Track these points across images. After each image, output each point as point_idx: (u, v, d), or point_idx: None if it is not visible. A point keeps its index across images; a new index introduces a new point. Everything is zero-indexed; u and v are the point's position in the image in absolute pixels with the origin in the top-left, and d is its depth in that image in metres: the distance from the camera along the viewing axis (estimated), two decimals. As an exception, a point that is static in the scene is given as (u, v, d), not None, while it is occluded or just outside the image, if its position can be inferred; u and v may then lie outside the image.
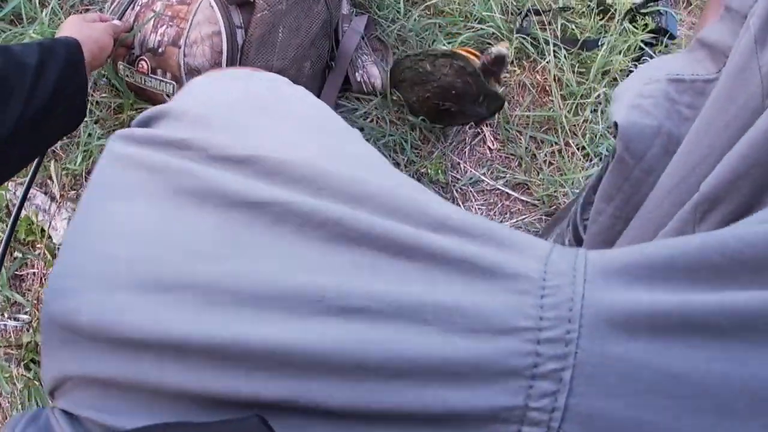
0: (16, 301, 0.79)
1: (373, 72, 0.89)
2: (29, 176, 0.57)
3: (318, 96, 0.86)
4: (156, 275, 0.27)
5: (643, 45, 1.00)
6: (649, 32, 1.00)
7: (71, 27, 0.61)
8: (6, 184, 0.80)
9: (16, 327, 0.78)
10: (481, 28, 0.97)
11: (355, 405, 0.23)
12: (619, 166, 0.40)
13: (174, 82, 0.76)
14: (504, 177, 0.92)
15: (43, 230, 0.79)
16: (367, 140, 0.84)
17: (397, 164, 0.88)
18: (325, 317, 0.24)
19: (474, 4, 0.98)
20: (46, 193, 0.82)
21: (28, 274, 0.81)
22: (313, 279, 0.25)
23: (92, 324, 0.26)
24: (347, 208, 0.27)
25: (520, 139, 0.93)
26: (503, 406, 0.22)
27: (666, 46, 1.01)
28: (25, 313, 0.79)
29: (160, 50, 0.73)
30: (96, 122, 0.80)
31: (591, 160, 0.95)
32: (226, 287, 0.25)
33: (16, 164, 0.51)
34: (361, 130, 0.88)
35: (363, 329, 0.24)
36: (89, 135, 0.79)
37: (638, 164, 0.39)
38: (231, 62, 0.72)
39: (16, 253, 0.81)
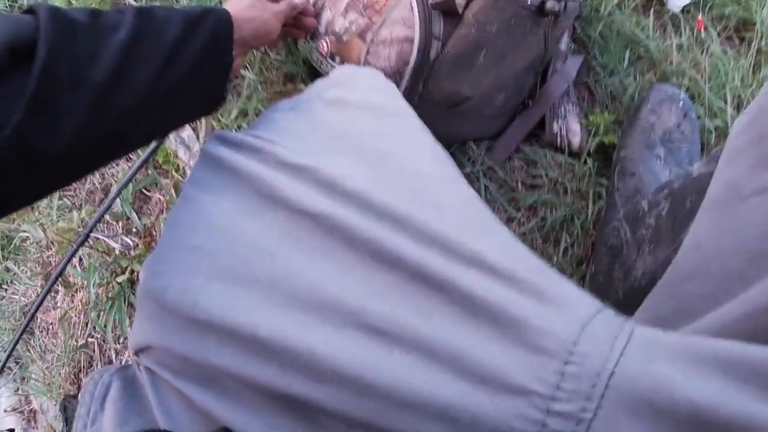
0: (129, 218, 0.81)
1: (573, 127, 0.72)
2: (147, 153, 0.52)
3: (499, 133, 0.72)
4: (230, 267, 0.29)
5: None
6: None
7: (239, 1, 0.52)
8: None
9: (120, 248, 0.80)
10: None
11: (361, 417, 0.25)
12: None
13: (348, 75, 0.66)
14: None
15: (178, 166, 0.79)
16: (540, 204, 0.69)
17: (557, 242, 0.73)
18: (353, 331, 0.25)
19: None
20: (194, 130, 0.81)
21: (153, 197, 0.82)
22: (352, 291, 0.26)
23: (174, 302, 0.29)
24: (387, 230, 0.28)
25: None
26: None
27: None
28: (135, 234, 0.81)
29: (344, 38, 0.64)
30: (262, 82, 0.75)
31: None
32: (283, 287, 0.27)
33: (139, 140, 0.46)
34: (533, 188, 0.73)
35: (381, 352, 0.25)
36: (250, 94, 0.75)
37: None
38: (416, 77, 0.61)
39: (150, 170, 0.82)
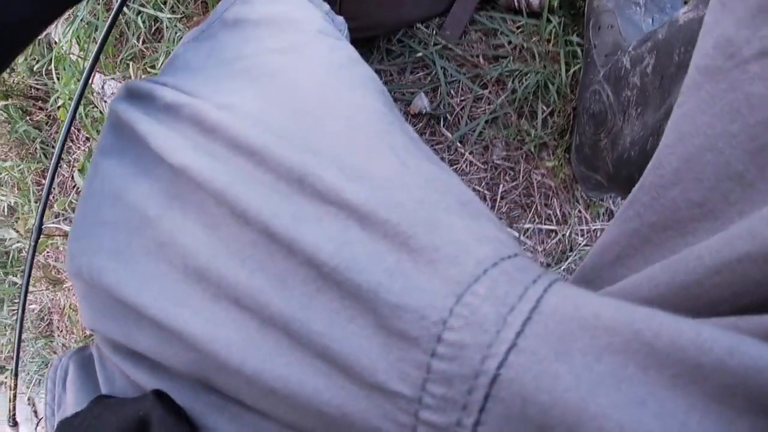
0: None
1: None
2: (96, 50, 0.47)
3: (447, 9, 0.65)
4: (125, 240, 0.26)
5: None
6: None
7: None
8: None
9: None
10: None
11: (251, 403, 0.22)
12: None
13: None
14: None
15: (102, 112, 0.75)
16: (506, 75, 0.62)
17: (535, 111, 0.66)
18: (225, 304, 0.22)
19: None
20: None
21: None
22: (218, 256, 0.23)
23: (90, 283, 0.26)
24: (245, 175, 0.23)
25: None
26: None
27: None
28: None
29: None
30: (180, 19, 0.70)
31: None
32: (165, 257, 0.24)
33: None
34: (496, 59, 0.65)
35: (245, 329, 0.21)
36: (171, 35, 0.69)
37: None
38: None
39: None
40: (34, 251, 0.48)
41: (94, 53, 0.45)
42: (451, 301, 0.17)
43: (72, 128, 0.82)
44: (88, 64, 0.44)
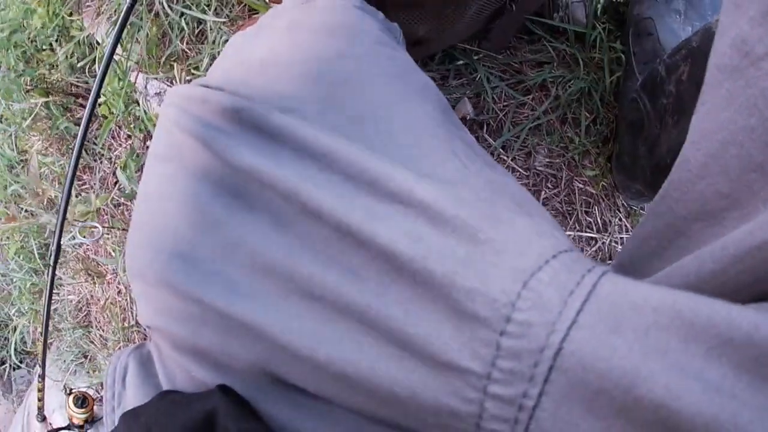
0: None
1: (577, 14, 0.63)
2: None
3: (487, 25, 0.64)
4: (189, 239, 0.26)
5: None
6: None
7: None
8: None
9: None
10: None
11: (323, 393, 0.23)
12: None
13: None
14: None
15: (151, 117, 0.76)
16: (550, 81, 0.62)
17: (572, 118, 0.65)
18: (296, 299, 0.23)
19: None
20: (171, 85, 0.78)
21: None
22: (287, 252, 0.24)
23: (153, 281, 0.27)
24: (313, 174, 0.24)
25: None
26: None
27: None
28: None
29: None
30: (225, 22, 0.70)
31: None
32: (232, 256, 0.25)
33: None
34: (540, 65, 0.65)
35: (317, 320, 0.22)
36: (215, 37, 0.70)
37: None
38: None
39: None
40: (55, 266, 0.49)
41: (110, 43, 0.45)
42: (519, 286, 0.19)
43: (114, 126, 0.83)
44: (105, 55, 0.44)
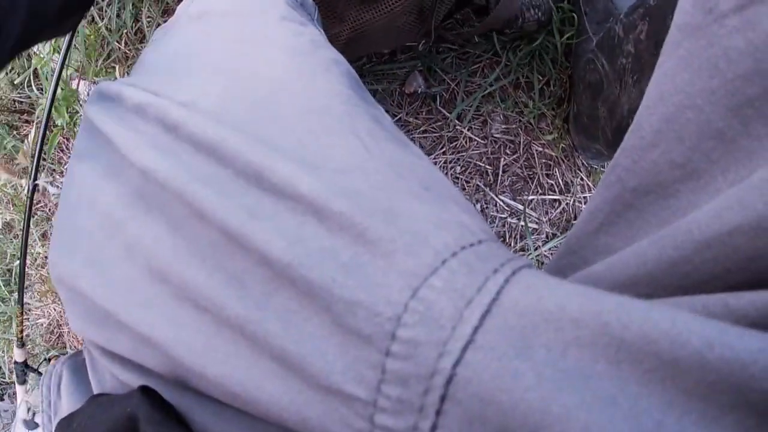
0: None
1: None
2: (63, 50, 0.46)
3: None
4: (98, 244, 0.25)
5: None
6: None
7: None
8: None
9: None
10: None
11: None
12: None
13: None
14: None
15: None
16: (499, 48, 0.61)
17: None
18: (188, 308, 0.22)
19: None
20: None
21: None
22: (180, 257, 0.22)
23: (72, 290, 0.26)
24: (204, 174, 0.23)
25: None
26: None
27: None
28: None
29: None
30: (163, 13, 0.68)
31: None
32: (132, 259, 0.24)
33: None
34: (485, 35, 0.64)
35: (205, 333, 0.21)
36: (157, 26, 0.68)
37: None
38: None
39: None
40: (31, 205, 0.48)
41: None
42: (407, 296, 0.16)
43: (62, 138, 0.80)
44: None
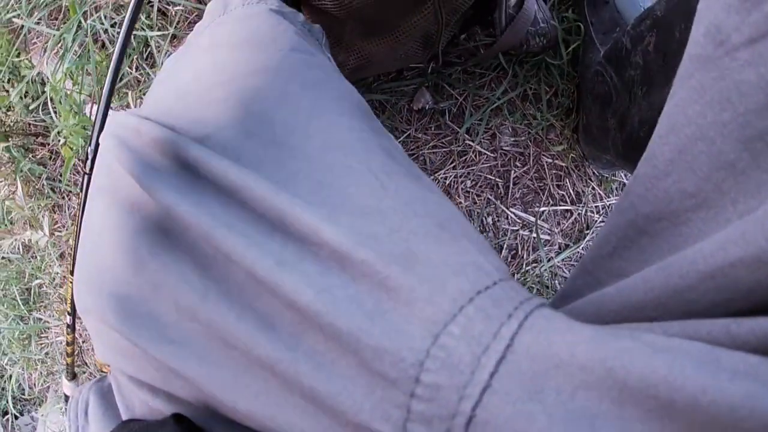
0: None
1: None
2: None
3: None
4: (122, 280, 0.26)
5: None
6: None
7: None
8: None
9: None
10: None
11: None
12: None
13: None
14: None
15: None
16: (506, 60, 0.61)
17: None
18: (211, 342, 0.23)
19: None
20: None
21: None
22: (199, 301, 0.23)
23: (102, 321, 0.26)
24: (220, 215, 0.24)
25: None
26: None
27: None
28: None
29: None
30: (171, 39, 0.69)
31: None
32: (149, 300, 0.25)
33: None
34: (491, 47, 0.64)
35: (237, 370, 0.21)
36: (164, 60, 0.69)
37: None
38: None
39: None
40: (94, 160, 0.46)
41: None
42: (428, 343, 0.17)
43: (78, 161, 0.82)
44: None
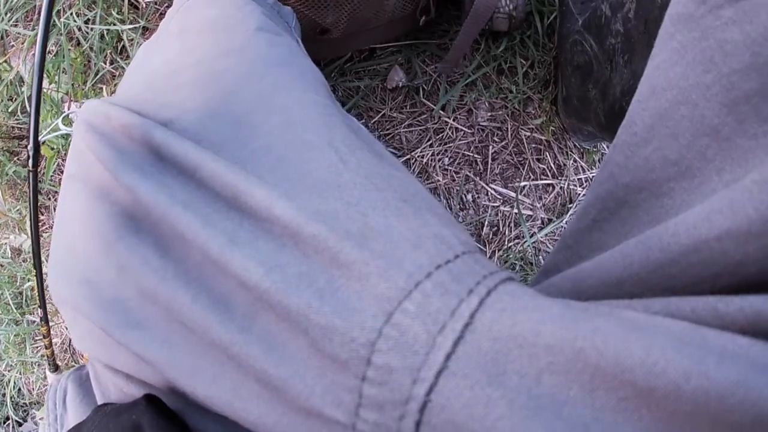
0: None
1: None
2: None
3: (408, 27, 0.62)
4: (92, 267, 0.26)
5: None
6: None
7: None
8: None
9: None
10: None
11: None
12: None
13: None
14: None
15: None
16: (479, 34, 0.60)
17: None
18: (171, 325, 0.22)
19: None
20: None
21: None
22: (165, 282, 0.23)
23: (75, 309, 0.26)
24: (181, 197, 0.23)
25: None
26: None
27: None
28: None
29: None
30: (143, 32, 0.69)
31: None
32: (130, 277, 0.24)
33: None
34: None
35: (195, 354, 0.21)
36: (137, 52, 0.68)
37: None
38: None
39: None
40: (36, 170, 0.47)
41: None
42: (381, 321, 0.16)
43: (60, 161, 0.82)
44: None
